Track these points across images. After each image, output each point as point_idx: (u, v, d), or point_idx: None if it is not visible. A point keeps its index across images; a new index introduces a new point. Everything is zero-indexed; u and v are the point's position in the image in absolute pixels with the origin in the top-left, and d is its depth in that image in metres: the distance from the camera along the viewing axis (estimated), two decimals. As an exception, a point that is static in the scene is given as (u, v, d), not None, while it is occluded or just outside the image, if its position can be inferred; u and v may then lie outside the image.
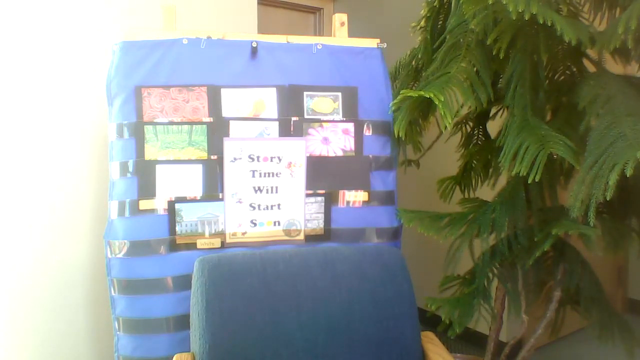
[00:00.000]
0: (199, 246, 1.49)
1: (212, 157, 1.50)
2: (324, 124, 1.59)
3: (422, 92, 1.33)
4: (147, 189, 1.45)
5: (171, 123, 1.48)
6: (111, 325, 1.79)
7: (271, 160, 1.55)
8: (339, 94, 1.61)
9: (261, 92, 1.55)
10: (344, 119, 1.61)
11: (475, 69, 1.40)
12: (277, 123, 1.55)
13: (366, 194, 1.61)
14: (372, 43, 1.67)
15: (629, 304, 2.98)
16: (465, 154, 1.82)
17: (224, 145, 1.51)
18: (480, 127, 1.84)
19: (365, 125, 1.62)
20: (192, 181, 1.48)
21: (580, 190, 1.10)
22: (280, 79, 1.57)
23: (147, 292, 1.44)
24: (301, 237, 1.58)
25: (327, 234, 1.60)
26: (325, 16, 3.28)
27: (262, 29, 2.94)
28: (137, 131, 1.46)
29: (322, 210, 1.59)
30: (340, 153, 1.60)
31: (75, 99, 1.81)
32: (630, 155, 1.00)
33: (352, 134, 1.61)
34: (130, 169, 1.45)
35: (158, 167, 1.46)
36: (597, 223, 1.32)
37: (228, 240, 1.52)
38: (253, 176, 1.54)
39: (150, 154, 1.46)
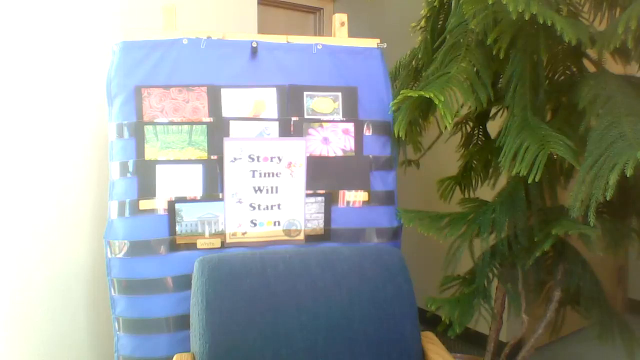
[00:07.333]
0: (199, 246, 1.49)
1: (212, 157, 1.50)
2: (324, 124, 1.59)
3: (422, 92, 1.33)
4: (147, 189, 1.45)
5: (171, 123, 1.48)
6: (111, 325, 1.79)
7: (271, 160, 1.55)
8: (339, 94, 1.61)
9: (261, 92, 1.55)
10: (344, 119, 1.61)
11: (475, 69, 1.40)
12: (277, 123, 1.55)
13: (366, 194, 1.61)
14: (372, 43, 1.67)
15: (629, 304, 2.98)
16: (465, 154, 1.82)
17: (224, 145, 1.51)
18: (480, 127, 1.84)
19: (365, 125, 1.62)
20: (192, 181, 1.48)
21: (580, 190, 1.10)
22: (281, 79, 1.57)
23: (147, 292, 1.44)
24: (301, 237, 1.58)
25: (327, 234, 1.60)
26: (325, 16, 3.28)
27: (262, 29, 2.93)
28: (137, 131, 1.46)
29: (322, 210, 1.59)
30: (340, 153, 1.60)
31: (75, 99, 1.81)
32: (630, 155, 1.00)
33: (352, 134, 1.61)
34: (130, 169, 1.45)
35: (158, 167, 1.46)
36: (597, 223, 1.31)
37: (228, 240, 1.52)
38: (253, 176, 1.54)
39: (150, 154, 1.46)
